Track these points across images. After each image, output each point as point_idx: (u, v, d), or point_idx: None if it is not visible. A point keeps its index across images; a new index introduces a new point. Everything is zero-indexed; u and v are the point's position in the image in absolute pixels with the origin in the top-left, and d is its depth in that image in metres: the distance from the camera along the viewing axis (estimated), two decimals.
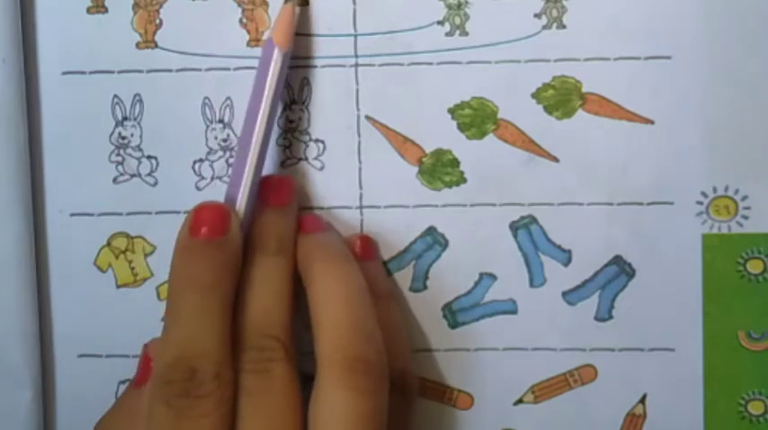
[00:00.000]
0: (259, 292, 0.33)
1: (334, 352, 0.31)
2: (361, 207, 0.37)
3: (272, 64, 0.34)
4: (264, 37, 0.36)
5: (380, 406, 0.31)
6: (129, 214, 0.37)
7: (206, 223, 0.33)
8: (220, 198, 0.36)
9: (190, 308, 0.32)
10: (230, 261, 0.33)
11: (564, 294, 0.37)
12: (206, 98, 0.36)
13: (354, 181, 0.37)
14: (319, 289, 0.33)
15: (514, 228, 0.36)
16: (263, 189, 0.34)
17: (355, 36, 0.36)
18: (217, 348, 0.31)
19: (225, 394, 0.31)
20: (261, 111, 0.34)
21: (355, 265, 0.34)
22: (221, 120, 0.36)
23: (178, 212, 0.37)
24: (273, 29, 0.34)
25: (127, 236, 0.37)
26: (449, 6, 0.36)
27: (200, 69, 0.36)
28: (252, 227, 0.34)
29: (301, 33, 0.36)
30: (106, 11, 0.36)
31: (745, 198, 0.36)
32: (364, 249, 0.36)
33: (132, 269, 0.37)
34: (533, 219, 0.36)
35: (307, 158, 0.37)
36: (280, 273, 0.34)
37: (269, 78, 0.34)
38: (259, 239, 0.34)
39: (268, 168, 0.36)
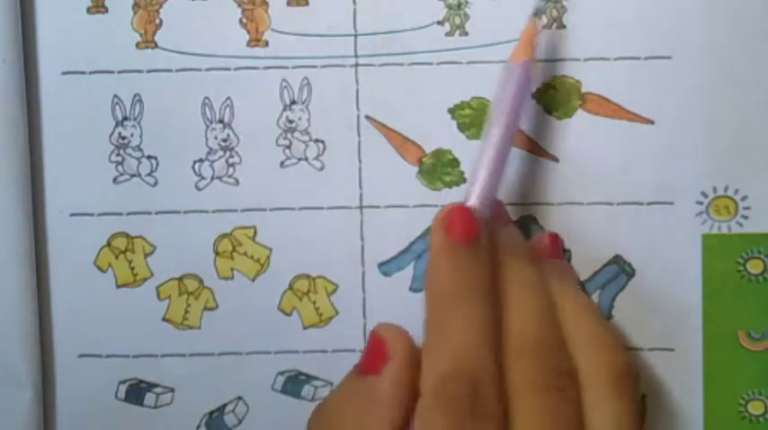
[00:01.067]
0: (535, 302, 0.31)
1: (601, 364, 0.31)
2: (361, 207, 0.37)
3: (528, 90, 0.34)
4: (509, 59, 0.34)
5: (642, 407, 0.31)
6: (129, 214, 0.37)
7: (462, 226, 0.31)
8: (219, 197, 0.36)
9: (462, 318, 0.30)
10: (490, 266, 0.31)
11: None
12: (206, 98, 0.36)
13: (354, 181, 0.37)
14: (567, 307, 0.32)
15: None
16: (544, 244, 0.35)
17: (355, 36, 0.36)
18: (495, 360, 0.30)
19: (505, 412, 0.29)
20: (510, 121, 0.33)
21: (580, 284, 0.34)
22: (221, 120, 0.36)
23: (178, 212, 0.37)
24: (520, 47, 0.34)
25: (127, 236, 0.37)
26: (449, 6, 0.36)
27: (200, 69, 0.36)
28: (501, 237, 0.33)
29: (301, 33, 0.36)
30: (106, 11, 0.36)
31: (745, 198, 0.36)
32: (554, 248, 0.35)
33: (132, 269, 0.37)
34: (533, 219, 0.36)
35: (307, 158, 0.37)
36: (546, 284, 0.32)
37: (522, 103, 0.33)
38: (517, 249, 0.33)
39: (267, 169, 0.36)
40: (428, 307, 0.31)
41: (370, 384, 0.31)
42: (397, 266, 0.37)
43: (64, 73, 0.37)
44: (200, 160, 0.37)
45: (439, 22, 0.36)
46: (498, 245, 0.32)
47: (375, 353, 0.31)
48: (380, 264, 0.37)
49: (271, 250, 0.37)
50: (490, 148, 0.33)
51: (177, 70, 0.36)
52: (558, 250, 0.36)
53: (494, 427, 0.29)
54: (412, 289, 0.37)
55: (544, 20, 0.35)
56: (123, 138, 0.37)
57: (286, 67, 0.36)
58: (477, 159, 0.33)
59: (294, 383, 0.37)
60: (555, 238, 0.36)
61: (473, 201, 0.32)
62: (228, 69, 0.36)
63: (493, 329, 0.30)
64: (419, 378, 0.30)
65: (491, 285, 0.31)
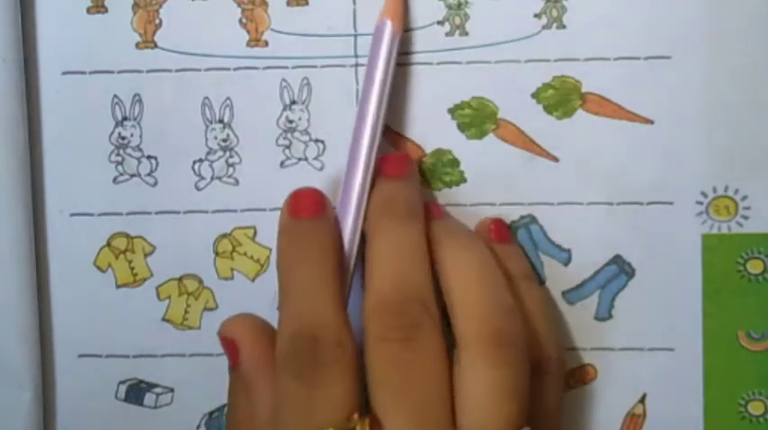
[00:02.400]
0: (393, 258, 0.32)
1: (478, 327, 0.31)
2: None
3: (384, 42, 0.34)
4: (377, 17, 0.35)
5: (526, 378, 0.31)
6: (128, 214, 0.37)
7: (304, 204, 0.33)
8: (219, 197, 0.36)
9: (302, 280, 0.32)
10: (333, 236, 0.33)
11: (564, 293, 0.37)
12: (205, 98, 0.36)
13: None
14: (452, 269, 0.32)
15: (514, 227, 0.36)
16: (382, 164, 0.35)
17: (355, 36, 0.36)
18: (334, 317, 0.31)
19: (350, 360, 0.31)
20: (372, 96, 0.34)
21: (483, 244, 0.34)
22: (221, 120, 0.36)
23: (178, 212, 0.37)
24: (385, 5, 0.34)
25: (127, 236, 0.37)
26: (449, 6, 0.36)
27: (199, 69, 0.36)
28: (373, 197, 0.34)
29: (301, 33, 0.36)
30: (106, 11, 0.36)
31: (745, 198, 0.36)
32: (499, 232, 0.36)
33: (132, 269, 0.37)
34: (533, 219, 0.36)
35: (307, 158, 0.37)
36: (413, 236, 0.33)
37: (381, 58, 0.34)
38: (386, 205, 0.34)
39: (267, 169, 0.36)
40: (278, 279, 0.33)
41: (237, 378, 0.33)
42: None
43: (64, 73, 0.37)
44: (200, 160, 0.37)
45: (439, 22, 0.36)
46: (373, 205, 0.34)
47: (228, 350, 0.34)
48: None
49: (271, 250, 0.37)
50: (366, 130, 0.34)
51: (177, 70, 0.36)
52: (504, 234, 0.36)
53: (335, 370, 0.30)
54: None
55: None
56: (123, 138, 0.37)
57: (286, 67, 0.36)
58: (352, 141, 0.34)
59: None
60: (498, 223, 0.36)
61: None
62: (228, 69, 0.36)
63: (335, 290, 0.32)
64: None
65: (334, 252, 0.33)
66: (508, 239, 0.36)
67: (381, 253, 0.33)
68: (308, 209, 0.33)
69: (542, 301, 0.35)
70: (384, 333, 0.31)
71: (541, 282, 0.37)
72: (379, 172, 0.34)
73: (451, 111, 0.36)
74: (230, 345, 0.33)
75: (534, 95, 0.36)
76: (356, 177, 0.34)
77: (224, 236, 0.37)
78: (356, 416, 0.30)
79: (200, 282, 0.37)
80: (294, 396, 0.31)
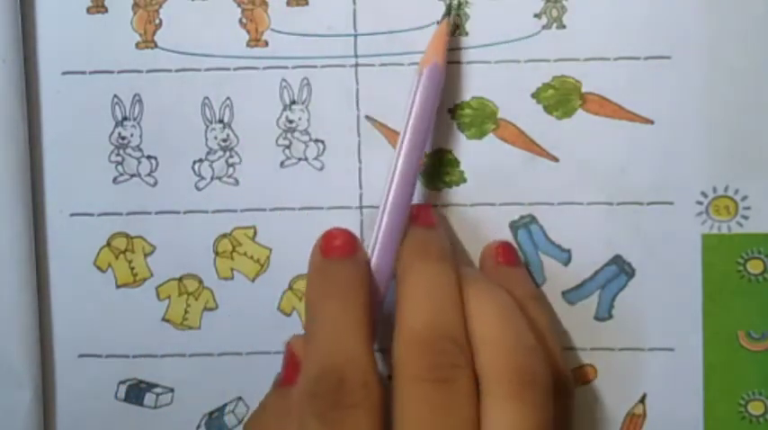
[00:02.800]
0: (427, 298, 0.32)
1: (501, 365, 0.31)
2: (361, 207, 0.37)
3: (434, 85, 0.34)
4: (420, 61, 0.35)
5: (550, 417, 0.31)
6: (128, 214, 0.37)
7: (337, 245, 0.33)
8: (219, 197, 0.36)
9: (331, 318, 0.32)
10: (364, 277, 0.33)
11: (564, 293, 0.37)
12: (206, 98, 0.36)
13: (354, 181, 0.37)
14: (476, 310, 0.32)
15: (514, 227, 0.36)
16: (414, 214, 0.35)
17: (355, 36, 0.36)
18: (362, 356, 0.31)
19: (375, 402, 0.30)
20: (416, 138, 0.34)
21: (503, 289, 0.33)
22: (221, 120, 0.36)
23: (178, 212, 0.37)
24: (429, 50, 0.34)
25: (127, 236, 0.37)
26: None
27: (199, 69, 0.36)
28: (405, 242, 0.34)
29: (301, 33, 0.36)
30: (106, 11, 0.36)
31: (745, 198, 0.36)
32: (506, 255, 0.36)
33: (132, 269, 0.37)
34: (533, 219, 0.36)
35: (307, 158, 0.37)
36: (447, 277, 0.33)
37: (429, 102, 0.34)
38: (420, 248, 0.33)
39: (267, 169, 0.36)
40: (305, 320, 0.33)
41: (288, 395, 0.32)
42: None
43: (64, 73, 0.37)
44: (200, 160, 0.37)
45: (439, 23, 0.36)
46: (407, 247, 0.34)
47: (289, 363, 0.33)
48: None
49: (271, 250, 0.37)
50: (399, 159, 0.34)
51: (177, 70, 0.36)
52: (513, 257, 0.36)
53: (359, 414, 0.30)
54: None
55: (451, 20, 0.35)
56: (123, 138, 0.37)
57: (286, 67, 0.36)
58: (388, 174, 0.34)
59: None
60: (506, 246, 0.36)
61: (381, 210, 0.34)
62: (228, 69, 0.36)
63: (364, 330, 0.31)
64: None
65: (364, 293, 0.32)
66: (515, 262, 0.36)
67: (414, 291, 0.32)
68: (339, 249, 0.33)
69: (552, 322, 0.35)
70: (418, 372, 0.30)
71: (540, 282, 0.37)
72: (411, 219, 0.34)
73: (451, 111, 0.36)
74: (293, 361, 0.33)
75: (534, 95, 0.36)
76: (392, 219, 0.34)
77: (224, 236, 0.37)
78: None
79: (200, 282, 0.37)
80: None
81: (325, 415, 0.30)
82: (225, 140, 0.37)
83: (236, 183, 0.37)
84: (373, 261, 0.34)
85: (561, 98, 0.36)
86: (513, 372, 0.31)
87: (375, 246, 0.34)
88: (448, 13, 0.35)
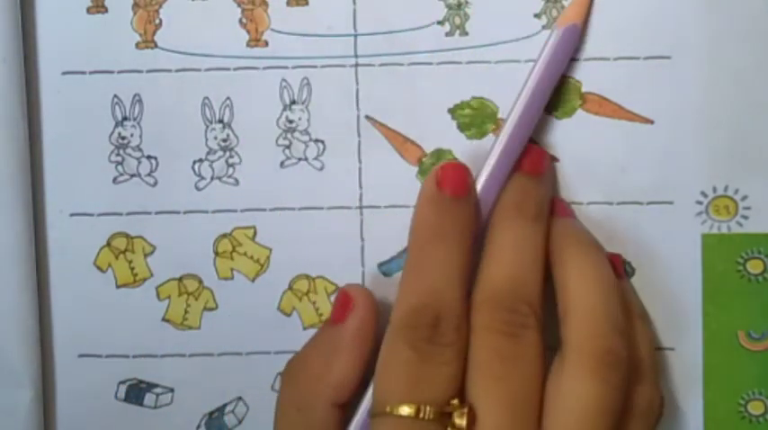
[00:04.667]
0: (514, 256, 0.33)
1: (588, 340, 0.31)
2: (361, 207, 0.37)
3: (569, 53, 0.34)
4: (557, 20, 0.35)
5: (621, 402, 0.31)
6: (128, 214, 0.37)
7: (452, 180, 0.33)
8: (219, 197, 0.36)
9: (436, 258, 0.32)
10: (473, 220, 0.33)
11: None
12: (206, 98, 0.36)
13: (354, 181, 0.37)
14: (574, 273, 0.33)
15: None
16: (522, 158, 0.34)
17: (355, 36, 0.36)
18: (459, 301, 0.32)
19: (464, 346, 0.32)
20: (533, 88, 0.34)
21: (606, 256, 0.34)
22: (221, 120, 0.36)
23: (178, 212, 0.37)
24: (570, 8, 0.35)
25: (127, 236, 0.37)
26: (449, 6, 0.36)
27: (199, 69, 0.36)
28: (507, 191, 0.34)
29: (301, 33, 0.36)
30: (106, 11, 0.36)
31: (745, 198, 0.36)
32: (616, 267, 0.35)
33: (132, 269, 0.37)
34: None
35: (307, 158, 0.37)
36: (537, 239, 0.33)
37: (561, 60, 0.34)
38: (519, 203, 0.34)
39: (267, 169, 0.36)
40: (409, 247, 0.33)
41: (335, 332, 0.34)
42: (398, 266, 0.37)
43: (64, 73, 0.37)
44: (200, 160, 0.37)
45: (439, 22, 0.36)
46: (505, 197, 0.34)
47: (341, 303, 0.35)
48: (380, 264, 0.37)
49: (270, 250, 0.37)
50: (514, 114, 0.34)
51: (177, 70, 0.36)
52: (620, 270, 0.36)
53: (449, 353, 0.31)
54: None
55: None
56: (123, 138, 0.37)
57: (286, 67, 0.36)
58: (503, 123, 0.34)
59: None
60: (617, 258, 0.36)
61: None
62: (228, 69, 0.36)
63: (464, 275, 0.33)
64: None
65: (471, 236, 0.33)
66: (623, 275, 0.36)
67: (503, 247, 0.33)
68: (457, 186, 0.33)
69: (653, 344, 0.35)
70: (491, 324, 0.32)
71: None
72: (517, 165, 0.34)
73: (451, 112, 0.36)
74: (345, 299, 0.34)
75: None
76: (500, 165, 0.34)
77: (224, 236, 0.37)
78: (456, 401, 0.31)
79: (200, 282, 0.37)
80: (405, 363, 0.31)
81: (418, 346, 0.31)
82: (225, 140, 0.37)
83: (236, 183, 0.37)
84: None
85: (561, 98, 0.36)
86: (597, 348, 0.31)
87: (481, 182, 0.34)
88: None
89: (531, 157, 0.34)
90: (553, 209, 0.35)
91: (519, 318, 0.32)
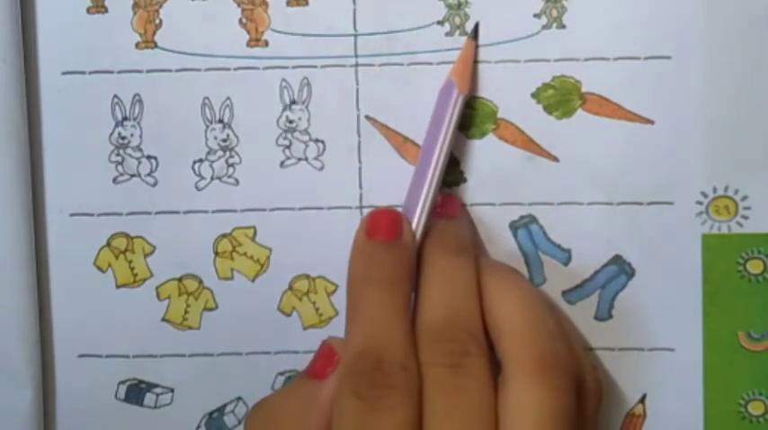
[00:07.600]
0: (444, 287, 0.33)
1: (526, 347, 0.31)
2: (361, 207, 0.37)
3: (450, 106, 0.35)
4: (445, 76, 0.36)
5: (571, 403, 0.31)
6: (128, 214, 0.37)
7: (382, 226, 0.34)
8: (219, 197, 0.36)
9: (372, 302, 0.32)
10: (407, 260, 0.33)
11: (564, 293, 0.37)
12: (206, 98, 0.36)
13: (354, 181, 0.37)
14: (498, 296, 0.33)
15: (514, 227, 0.36)
16: (437, 205, 0.35)
17: (355, 36, 0.36)
18: (402, 340, 0.32)
19: (413, 387, 0.31)
20: (437, 148, 0.34)
21: (522, 274, 0.35)
22: (221, 120, 0.36)
23: (178, 212, 0.37)
24: (455, 67, 0.35)
25: (127, 236, 0.37)
26: (449, 6, 0.36)
27: (199, 69, 0.36)
28: (428, 234, 0.34)
29: (301, 33, 0.36)
30: (106, 11, 0.36)
31: (745, 198, 0.36)
32: (455, 208, 0.36)
33: (132, 269, 0.37)
34: (533, 219, 0.36)
35: (307, 158, 0.37)
36: (465, 270, 0.33)
37: (446, 120, 0.35)
38: (439, 240, 0.34)
39: (267, 169, 0.36)
40: (346, 299, 0.34)
41: (313, 389, 0.33)
42: None
43: (64, 73, 0.37)
44: (200, 160, 0.37)
45: (439, 22, 0.36)
46: (428, 239, 0.34)
47: (324, 357, 0.33)
48: None
49: (271, 250, 0.37)
50: (429, 174, 0.35)
51: (177, 70, 0.36)
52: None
53: (396, 396, 0.31)
54: None
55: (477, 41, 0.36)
56: (123, 138, 0.37)
57: (286, 67, 0.36)
58: (415, 176, 0.35)
59: None
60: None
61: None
62: (228, 69, 0.36)
63: (405, 315, 0.32)
64: None
65: (408, 276, 0.33)
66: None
67: (432, 283, 0.33)
68: (384, 231, 0.34)
69: (575, 330, 0.36)
70: (432, 358, 0.31)
71: (540, 282, 0.37)
72: (435, 211, 0.35)
73: None
74: (329, 354, 0.33)
75: (534, 95, 0.36)
76: (414, 215, 0.34)
77: (224, 236, 0.37)
78: None
79: (200, 282, 0.37)
80: (353, 414, 0.31)
81: (362, 392, 0.31)
82: (225, 140, 0.37)
83: (236, 183, 0.37)
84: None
85: (561, 98, 0.36)
86: (534, 354, 0.31)
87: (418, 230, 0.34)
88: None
89: (443, 203, 0.35)
90: (441, 204, 0.35)
91: (459, 346, 0.31)
